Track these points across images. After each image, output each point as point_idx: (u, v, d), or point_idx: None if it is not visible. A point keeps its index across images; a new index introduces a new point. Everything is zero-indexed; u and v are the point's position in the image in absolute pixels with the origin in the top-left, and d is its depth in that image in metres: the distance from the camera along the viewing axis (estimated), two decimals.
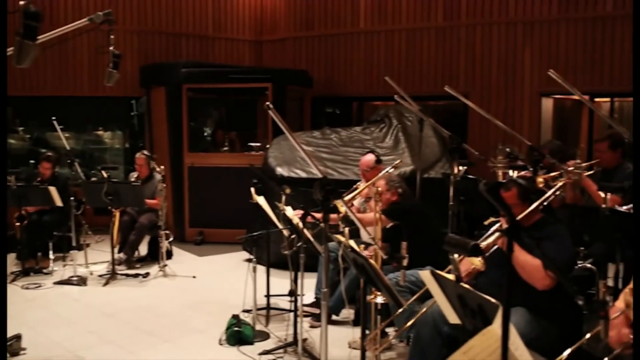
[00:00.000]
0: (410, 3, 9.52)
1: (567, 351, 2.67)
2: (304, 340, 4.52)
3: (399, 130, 7.46)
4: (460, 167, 5.05)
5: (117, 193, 6.62)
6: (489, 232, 3.23)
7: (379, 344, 3.86)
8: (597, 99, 8.91)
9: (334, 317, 5.08)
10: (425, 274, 2.65)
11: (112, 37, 4.03)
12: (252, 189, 5.14)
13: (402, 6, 9.57)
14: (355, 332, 4.49)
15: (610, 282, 4.09)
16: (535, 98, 8.80)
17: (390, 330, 4.63)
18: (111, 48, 4.13)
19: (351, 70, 10.02)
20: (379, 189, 4.64)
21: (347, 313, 5.13)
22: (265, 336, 4.87)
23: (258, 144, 8.69)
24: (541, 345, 3.25)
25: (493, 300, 2.22)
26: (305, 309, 4.95)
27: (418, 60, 9.49)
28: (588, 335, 2.70)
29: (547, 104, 9.10)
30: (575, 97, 8.54)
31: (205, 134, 10.13)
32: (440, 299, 2.68)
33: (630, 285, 2.47)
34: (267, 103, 2.76)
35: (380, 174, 4.95)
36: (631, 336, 2.55)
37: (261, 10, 10.93)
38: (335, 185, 3.25)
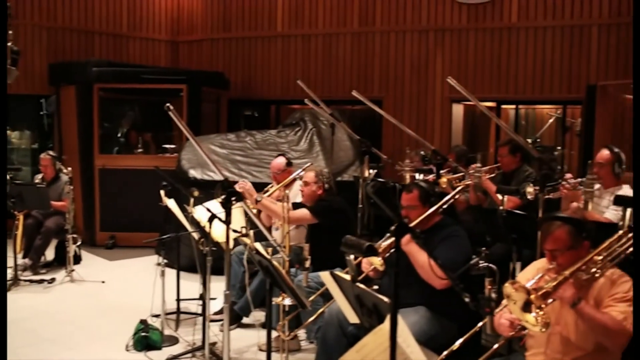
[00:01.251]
0: (327, 8, 9.64)
1: (457, 342, 2.78)
2: (213, 344, 4.49)
3: (314, 134, 7.53)
4: (371, 170, 5.16)
5: (21, 195, 6.35)
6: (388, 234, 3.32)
7: (287, 346, 3.89)
8: (503, 106, 9.33)
9: (244, 320, 5.07)
10: (325, 275, 2.70)
11: (10, 32, 3.86)
12: (162, 192, 5.06)
13: (319, 11, 9.68)
14: (264, 334, 4.49)
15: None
16: (446, 104, 9.10)
17: (301, 333, 4.67)
18: (9, 44, 3.95)
19: (268, 73, 10.04)
20: (306, 180, 4.69)
21: (259, 316, 5.13)
22: (174, 341, 4.79)
23: (172, 146, 8.55)
24: (441, 342, 3.37)
25: (386, 299, 2.29)
26: (214, 317, 4.90)
27: (334, 64, 9.62)
28: (473, 329, 2.83)
29: (458, 109, 9.43)
30: (485, 103, 8.95)
31: (119, 135, 9.86)
32: (340, 299, 2.74)
33: (510, 280, 2.60)
34: (167, 105, 2.73)
35: (289, 177, 4.98)
36: (509, 321, 2.72)
37: (178, 10, 10.78)
38: None
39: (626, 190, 4.29)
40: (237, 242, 3.99)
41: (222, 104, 9.90)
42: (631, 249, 2.86)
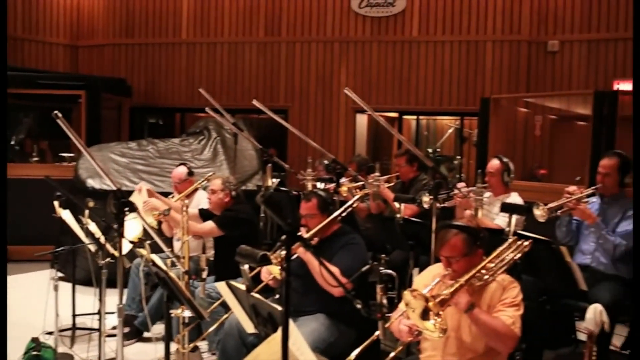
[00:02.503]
0: (233, 16, 9.60)
1: (354, 352, 2.83)
2: None
3: (218, 143, 7.46)
4: (274, 180, 5.17)
5: None
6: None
7: (187, 358, 3.82)
8: (405, 117, 9.62)
9: (145, 334, 4.93)
10: (221, 285, 2.68)
11: None
12: (56, 203, 4.84)
13: (225, 19, 9.64)
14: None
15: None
16: (350, 114, 9.28)
17: (202, 344, 4.59)
18: None
19: (173, 80, 9.87)
20: (213, 187, 4.60)
21: (160, 329, 5.00)
22: (68, 358, 4.59)
23: (70, 155, 8.21)
24: (341, 349, 3.42)
25: (279, 308, 2.30)
26: (111, 332, 4.72)
27: (240, 73, 9.59)
28: (372, 337, 2.89)
29: (362, 119, 9.64)
30: (388, 114, 9.20)
31: (13, 143, 9.35)
32: (237, 309, 2.73)
33: (409, 288, 2.68)
34: (55, 112, 2.62)
35: (191, 187, 4.90)
36: (408, 327, 2.79)
37: (78, 13, 10.39)
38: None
39: (514, 198, 4.53)
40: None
41: (123, 111, 9.63)
42: (519, 255, 3.03)
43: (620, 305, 3.73)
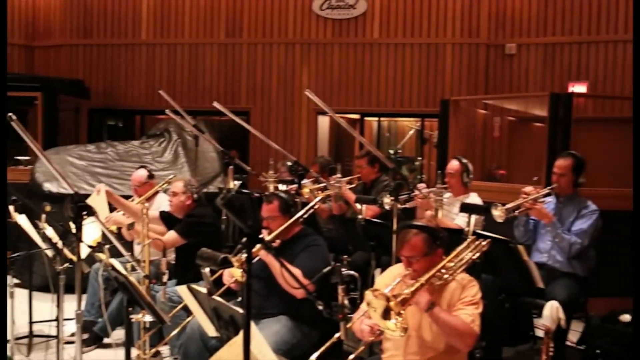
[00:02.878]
0: (193, 17, 9.53)
1: (315, 354, 2.84)
2: None
3: (179, 145, 7.38)
4: (236, 182, 5.15)
5: None
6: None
7: None
8: (367, 118, 9.68)
9: (105, 340, 4.84)
10: (182, 289, 2.65)
11: None
12: (11, 207, 4.72)
13: (185, 20, 9.56)
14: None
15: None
16: (312, 116, 9.30)
17: (164, 349, 4.54)
18: None
19: (132, 82, 9.73)
20: (174, 190, 4.50)
21: (121, 334, 4.92)
22: None
23: (26, 158, 8.02)
24: (304, 350, 3.42)
25: (241, 310, 2.29)
26: (69, 339, 4.63)
27: (201, 75, 9.52)
28: (333, 338, 2.90)
29: (324, 121, 9.67)
30: (350, 115, 9.25)
31: None
32: (198, 312, 2.71)
33: (371, 288, 2.70)
34: (10, 114, 2.56)
35: (151, 190, 4.84)
36: (370, 327, 2.82)
37: (33, 12, 10.15)
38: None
39: (473, 199, 4.61)
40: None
41: (81, 113, 9.45)
42: (478, 255, 3.08)
43: (575, 302, 3.84)
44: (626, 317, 3.75)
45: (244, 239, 1.91)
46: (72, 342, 4.60)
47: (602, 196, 4.89)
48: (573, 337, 4.00)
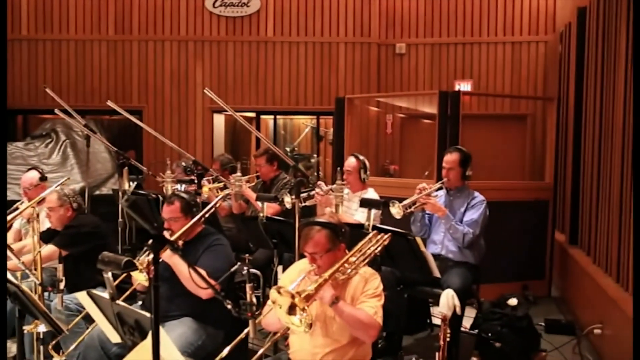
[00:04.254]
0: (79, 13, 9.12)
1: (226, 350, 2.83)
2: None
3: (68, 146, 7.07)
4: (131, 183, 4.99)
5: None
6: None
7: None
8: (262, 116, 9.69)
9: None
10: (82, 296, 2.55)
11: None
12: None
13: (70, 15, 9.12)
14: None
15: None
16: (207, 114, 9.19)
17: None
18: None
19: (13, 79, 9.15)
20: (50, 205, 4.25)
21: (11, 348, 4.64)
22: None
23: None
24: (209, 350, 3.40)
25: (148, 314, 2.24)
26: None
27: (89, 73, 9.14)
28: (240, 336, 2.91)
29: (219, 119, 9.58)
30: (246, 114, 9.21)
31: None
32: (99, 319, 2.62)
33: (276, 285, 2.72)
34: None
35: (45, 192, 4.58)
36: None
37: None
38: None
39: (371, 194, 4.74)
40: None
41: None
42: (380, 249, 3.18)
43: (468, 289, 4.05)
44: (513, 301, 4.01)
45: (150, 241, 1.86)
46: None
47: (489, 188, 5.19)
48: (466, 323, 4.21)
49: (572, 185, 6.14)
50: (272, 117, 9.88)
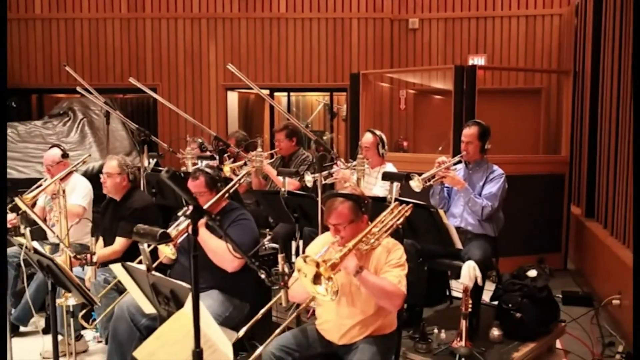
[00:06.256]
0: None
1: (254, 319, 2.90)
2: None
3: (85, 124, 7.13)
4: (150, 160, 5.05)
5: None
6: (179, 220, 3.31)
7: (74, 349, 3.68)
8: (276, 93, 9.71)
9: (22, 329, 4.66)
10: (116, 267, 2.62)
11: None
12: None
13: None
14: (47, 341, 4.18)
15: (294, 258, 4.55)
16: (221, 91, 9.22)
17: (87, 333, 4.44)
18: None
19: (27, 59, 9.20)
20: (109, 171, 4.27)
21: (37, 321, 4.75)
22: None
23: None
24: (236, 322, 3.47)
25: (184, 284, 2.30)
26: None
27: (103, 51, 9.17)
28: (268, 305, 2.97)
29: (233, 97, 9.60)
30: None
31: None
32: (133, 290, 2.68)
33: (302, 254, 2.77)
34: None
35: (66, 170, 4.65)
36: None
37: None
38: (14, 184, 2.98)
39: (390, 168, 4.78)
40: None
41: None
42: (402, 220, 3.22)
43: (489, 261, 4.09)
44: (533, 273, 4.05)
45: (187, 212, 1.91)
46: None
47: (505, 162, 5.20)
48: (485, 296, 4.26)
49: (589, 158, 6.15)
50: (285, 94, 9.89)
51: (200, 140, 5.80)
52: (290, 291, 3.05)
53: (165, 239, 2.27)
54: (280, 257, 2.59)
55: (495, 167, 4.36)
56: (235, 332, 2.99)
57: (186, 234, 3.30)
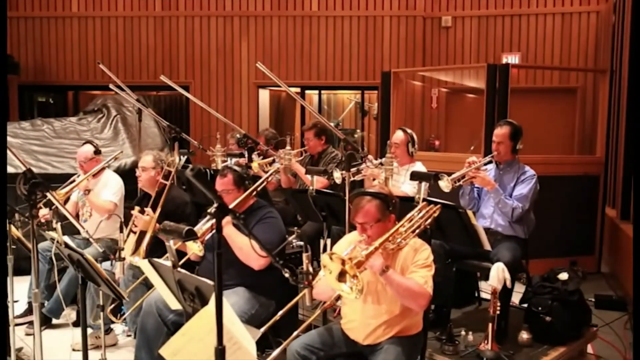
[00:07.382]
0: None
1: (276, 316, 2.90)
2: (19, 350, 4.16)
3: (119, 121, 7.23)
4: (181, 157, 5.10)
5: None
6: (206, 218, 3.34)
7: (104, 342, 3.74)
8: (307, 91, 9.72)
9: (54, 321, 4.76)
10: (143, 263, 2.64)
11: None
12: None
13: None
14: (77, 333, 4.26)
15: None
16: (253, 89, 9.26)
17: (116, 327, 4.51)
18: None
19: (64, 56, 9.38)
20: (144, 165, 4.30)
21: (68, 314, 4.84)
22: None
23: None
24: (262, 319, 3.48)
25: (209, 281, 2.31)
26: (18, 320, 4.50)
27: (137, 49, 9.29)
28: (293, 301, 2.97)
29: (264, 95, 9.64)
30: (291, 89, 9.25)
31: None
32: (160, 286, 2.71)
33: (328, 251, 2.76)
34: None
35: (98, 165, 4.73)
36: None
37: None
38: (48, 180, 3.03)
39: (419, 167, 4.74)
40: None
41: (11, 90, 9.07)
42: (429, 220, 3.19)
43: (518, 263, 4.03)
44: (564, 276, 3.97)
45: (212, 210, 1.92)
46: (20, 324, 4.52)
47: (538, 162, 5.12)
48: (514, 298, 4.20)
49: (625, 159, 6.01)
50: (316, 92, 9.89)
51: (238, 135, 5.79)
52: (315, 289, 3.05)
53: (191, 236, 2.28)
54: (304, 256, 2.59)
55: (527, 167, 4.29)
56: (259, 330, 2.99)
57: (213, 232, 3.32)
